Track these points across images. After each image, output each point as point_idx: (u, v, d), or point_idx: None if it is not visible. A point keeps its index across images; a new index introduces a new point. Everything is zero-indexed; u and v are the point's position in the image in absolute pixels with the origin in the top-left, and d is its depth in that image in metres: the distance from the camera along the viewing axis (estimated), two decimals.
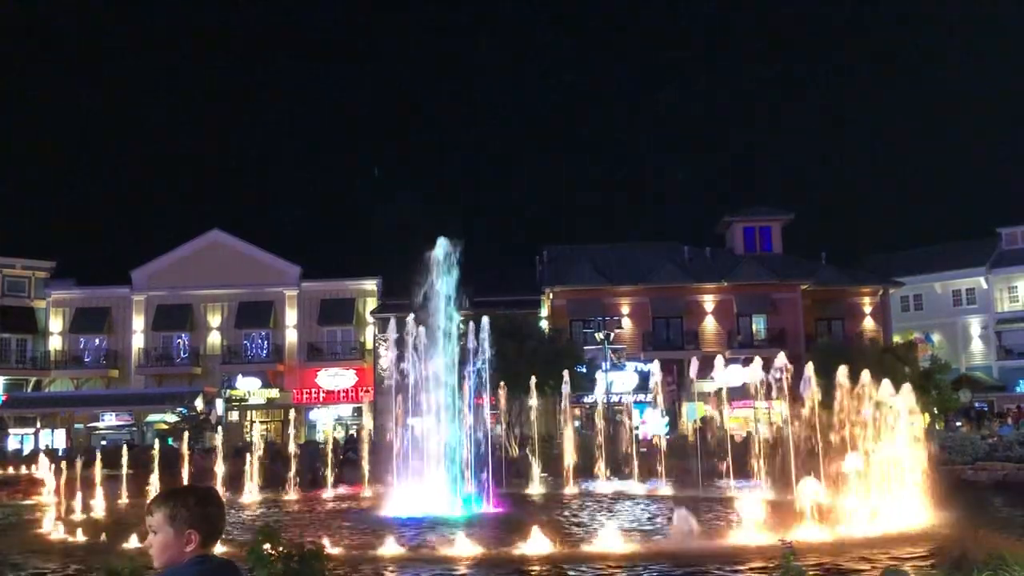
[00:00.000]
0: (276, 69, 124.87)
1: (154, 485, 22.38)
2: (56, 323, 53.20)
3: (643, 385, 45.16)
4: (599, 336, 39.43)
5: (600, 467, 26.33)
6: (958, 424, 37.94)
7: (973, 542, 10.03)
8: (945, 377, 37.75)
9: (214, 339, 52.48)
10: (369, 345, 50.72)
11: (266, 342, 52.20)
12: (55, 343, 52.95)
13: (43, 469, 26.37)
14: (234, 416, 49.52)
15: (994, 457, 26.99)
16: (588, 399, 43.14)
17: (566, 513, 19.78)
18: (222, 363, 51.36)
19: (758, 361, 25.41)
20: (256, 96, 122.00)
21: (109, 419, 49.35)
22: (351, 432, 41.64)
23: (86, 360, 52.68)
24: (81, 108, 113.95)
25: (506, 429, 30.45)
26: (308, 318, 52.20)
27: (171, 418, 42.94)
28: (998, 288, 56.59)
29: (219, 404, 46.86)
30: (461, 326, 21.42)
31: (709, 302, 48.32)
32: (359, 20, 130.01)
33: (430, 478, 20.08)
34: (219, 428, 31.60)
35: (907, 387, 17.79)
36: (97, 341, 52.78)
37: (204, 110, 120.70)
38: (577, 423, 36.98)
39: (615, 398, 41.92)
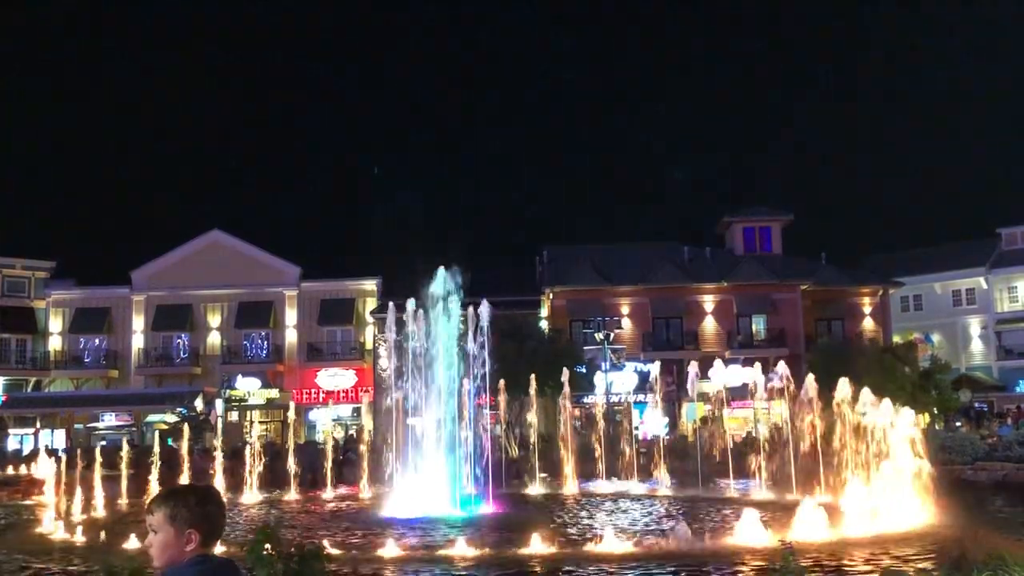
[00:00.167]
0: (276, 69, 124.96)
1: (154, 485, 22.41)
2: (56, 323, 53.21)
3: (643, 385, 45.20)
4: (599, 336, 39.44)
5: (600, 467, 26.34)
6: (958, 424, 37.91)
7: (973, 542, 10.03)
8: (945, 377, 37.75)
9: (214, 339, 52.49)
10: (369, 345, 50.72)
11: (266, 342, 52.21)
12: (55, 343, 52.97)
13: (43, 469, 26.37)
14: (234, 416, 49.53)
15: (994, 457, 26.98)
16: (588, 399, 43.16)
17: (566, 513, 19.78)
18: (222, 363, 51.39)
19: (758, 366, 25.34)
20: (256, 96, 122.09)
21: (109, 419, 49.37)
22: (351, 432, 41.65)
23: (86, 360, 52.70)
24: (81, 108, 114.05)
25: (506, 429, 30.44)
26: (308, 318, 52.22)
27: (171, 418, 42.96)
28: (998, 288, 56.60)
29: (219, 404, 46.83)
30: (460, 315, 21.41)
31: (709, 302, 48.34)
32: (359, 20, 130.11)
33: (429, 478, 20.08)
34: (218, 428, 31.59)
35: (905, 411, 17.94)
36: (97, 341, 52.80)
37: (204, 110, 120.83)
38: (577, 423, 36.97)
39: (615, 398, 41.89)
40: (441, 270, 20.75)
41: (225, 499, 3.11)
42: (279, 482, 25.58)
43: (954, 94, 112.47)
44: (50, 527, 16.95)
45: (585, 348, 41.68)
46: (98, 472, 23.28)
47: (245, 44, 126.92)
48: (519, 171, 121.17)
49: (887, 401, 18.43)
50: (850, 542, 13.40)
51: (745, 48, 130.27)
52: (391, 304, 23.25)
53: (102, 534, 15.12)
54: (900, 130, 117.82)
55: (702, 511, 19.60)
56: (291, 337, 52.32)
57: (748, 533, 13.74)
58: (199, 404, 44.57)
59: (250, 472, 25.13)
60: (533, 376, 27.43)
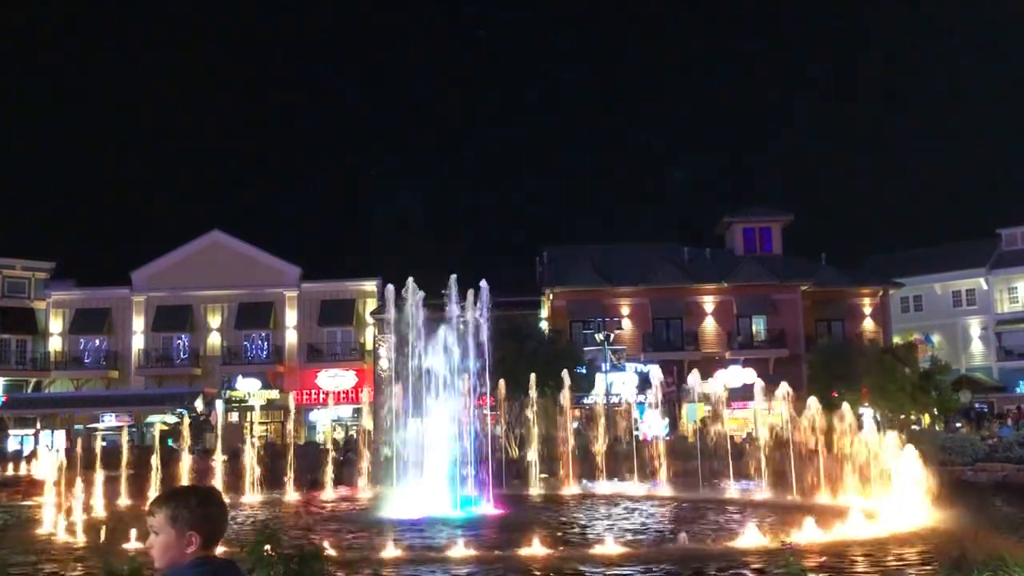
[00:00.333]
0: (276, 69, 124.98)
1: (154, 486, 22.43)
2: (56, 324, 53.21)
3: (643, 386, 45.20)
4: (599, 337, 39.43)
5: (600, 468, 26.36)
6: (958, 425, 37.92)
7: (973, 543, 10.04)
8: (945, 378, 37.73)
9: (214, 340, 52.49)
10: (369, 346, 50.73)
11: (266, 343, 52.21)
12: (55, 344, 52.97)
13: (43, 470, 26.37)
14: (234, 417, 49.53)
15: (994, 458, 27.00)
16: (588, 400, 43.16)
17: (566, 514, 19.78)
18: (222, 364, 51.38)
19: (760, 384, 25.57)
20: (256, 96, 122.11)
21: (109, 420, 49.38)
22: (351, 433, 41.65)
23: (86, 361, 52.69)
24: (81, 108, 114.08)
25: (506, 430, 30.46)
26: (308, 319, 52.22)
27: (171, 419, 42.96)
28: (998, 289, 56.60)
29: (219, 405, 46.84)
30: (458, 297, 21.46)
31: (709, 303, 48.34)
32: (359, 20, 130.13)
33: (430, 479, 20.09)
34: (218, 429, 31.60)
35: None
36: (97, 342, 52.80)
37: (204, 110, 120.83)
38: (577, 424, 36.97)
39: (615, 399, 41.90)
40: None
41: (225, 500, 3.10)
42: (279, 483, 25.58)
43: (954, 94, 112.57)
44: (50, 528, 16.96)
45: (585, 349, 41.64)
46: (99, 473, 23.30)
47: (245, 44, 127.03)
48: (519, 171, 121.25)
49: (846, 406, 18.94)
50: (851, 543, 13.41)
51: (745, 48, 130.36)
52: (390, 287, 23.10)
53: (102, 535, 15.12)
54: (900, 130, 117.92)
55: (703, 512, 19.60)
56: (291, 338, 52.32)
57: (750, 534, 13.75)
58: (199, 405, 44.59)
59: (250, 473, 25.14)
60: (533, 376, 27.43)
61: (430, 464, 20.27)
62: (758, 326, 48.38)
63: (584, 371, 40.26)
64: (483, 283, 21.69)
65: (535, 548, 12.66)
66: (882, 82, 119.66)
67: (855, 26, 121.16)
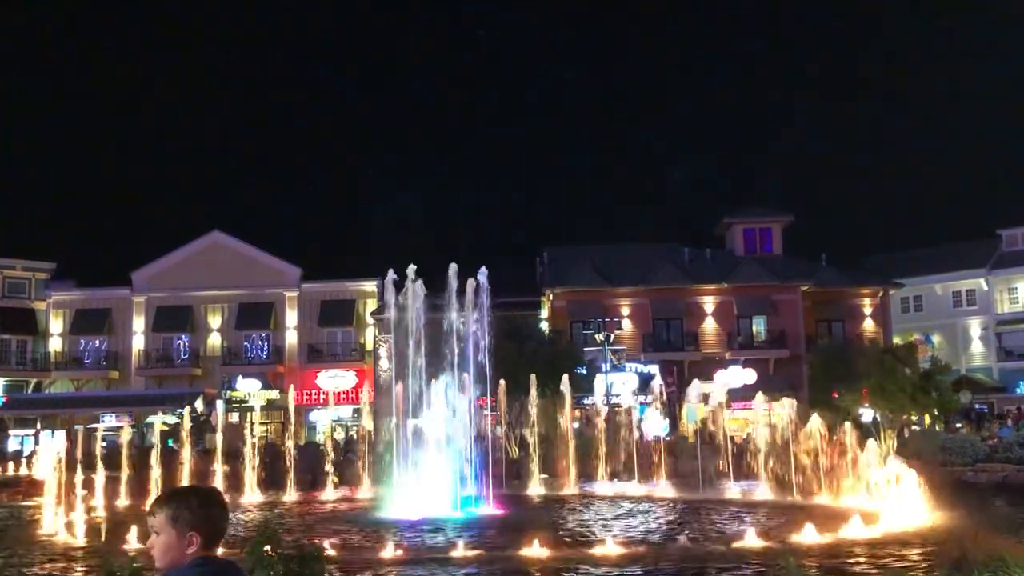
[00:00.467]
0: (276, 69, 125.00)
1: (155, 486, 22.43)
2: (56, 324, 53.22)
3: (643, 386, 45.18)
4: (599, 337, 39.42)
5: (600, 468, 26.36)
6: (958, 426, 37.91)
7: (973, 543, 10.04)
8: (945, 378, 37.64)
9: (214, 340, 52.49)
10: (369, 347, 50.73)
11: (266, 343, 52.21)
12: (55, 344, 52.98)
13: (43, 470, 26.36)
14: (234, 417, 49.52)
15: (994, 459, 26.98)
16: (588, 400, 43.15)
17: (566, 515, 19.77)
18: (222, 364, 51.40)
19: (762, 398, 25.69)
20: (256, 96, 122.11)
21: (109, 420, 49.38)
22: (351, 433, 41.62)
23: (86, 361, 52.70)
24: (81, 108, 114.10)
25: (506, 430, 30.44)
26: (308, 319, 52.22)
27: (171, 419, 42.94)
28: (998, 289, 56.60)
29: (220, 405, 46.86)
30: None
31: (709, 303, 48.33)
32: (359, 20, 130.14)
33: (430, 479, 20.10)
34: (218, 429, 31.57)
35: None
36: (97, 342, 52.80)
37: (204, 110, 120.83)
38: (577, 424, 36.96)
39: (615, 399, 41.89)
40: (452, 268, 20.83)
41: (226, 500, 3.11)
42: (279, 483, 25.58)
43: (954, 94, 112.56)
44: (50, 528, 16.97)
45: (585, 349, 41.63)
46: (99, 473, 23.31)
47: (245, 44, 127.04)
48: (519, 171, 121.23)
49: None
50: (851, 543, 13.41)
51: (745, 48, 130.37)
52: (391, 273, 22.97)
53: (102, 535, 15.13)
54: (900, 130, 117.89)
55: (703, 513, 19.60)
56: (291, 338, 52.33)
57: (749, 535, 13.75)
58: (200, 405, 44.57)
59: (250, 473, 25.15)
60: (533, 377, 27.42)
61: (430, 464, 20.27)
62: (758, 326, 48.37)
63: (584, 371, 40.27)
64: (482, 270, 21.64)
65: (535, 549, 12.65)
66: (882, 82, 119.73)
67: (855, 26, 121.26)
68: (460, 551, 12.73)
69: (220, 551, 3.01)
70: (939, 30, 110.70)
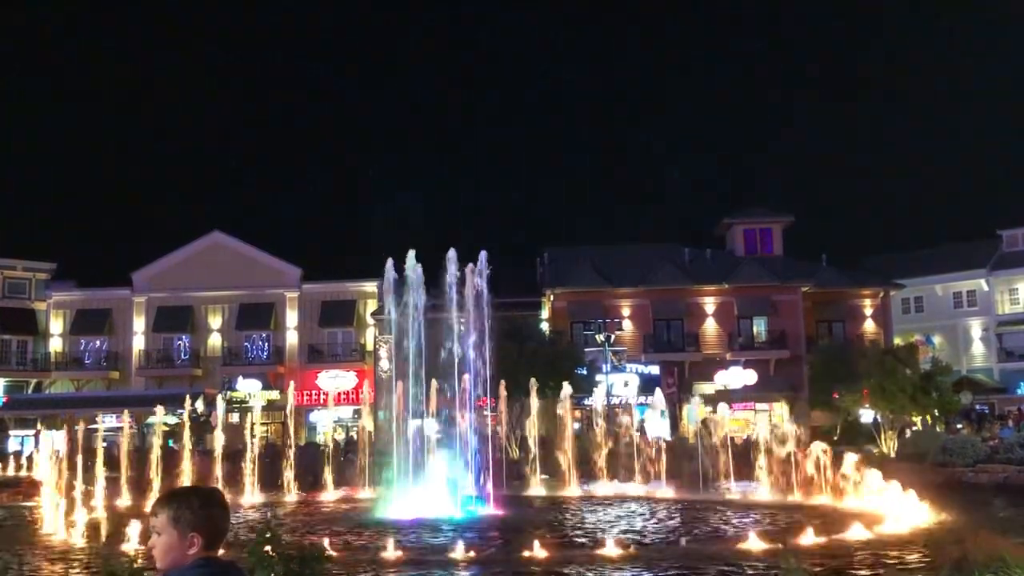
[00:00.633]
0: (276, 69, 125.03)
1: (155, 486, 22.43)
2: (57, 325, 53.22)
3: (644, 387, 45.17)
4: (600, 338, 39.41)
5: (601, 469, 26.35)
6: (959, 426, 37.89)
7: (974, 544, 10.03)
8: (946, 379, 37.67)
9: (215, 341, 52.49)
10: (370, 347, 50.73)
11: (267, 344, 52.21)
12: (56, 345, 52.98)
13: (43, 470, 26.35)
14: (235, 418, 49.50)
15: (995, 459, 26.96)
16: (588, 401, 43.14)
17: (566, 515, 19.77)
18: (223, 365, 51.38)
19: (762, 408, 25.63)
20: (256, 96, 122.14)
21: (110, 421, 49.34)
22: (351, 434, 41.62)
23: (87, 362, 52.69)
24: (81, 108, 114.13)
25: (507, 431, 30.43)
26: (309, 320, 52.22)
27: (172, 419, 42.90)
28: (999, 290, 56.59)
29: (220, 406, 46.83)
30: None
31: (710, 304, 48.32)
32: (359, 20, 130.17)
33: (430, 479, 20.10)
34: (218, 430, 31.54)
35: None
36: (98, 343, 52.80)
37: (204, 110, 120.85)
38: (577, 425, 36.96)
39: (616, 400, 41.89)
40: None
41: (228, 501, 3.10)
42: (279, 484, 25.58)
43: (954, 94, 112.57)
44: (51, 528, 16.97)
45: (586, 350, 41.65)
46: (99, 473, 23.31)
47: (245, 44, 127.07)
48: (519, 171, 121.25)
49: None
50: (852, 544, 13.41)
51: (745, 48, 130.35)
52: (390, 263, 22.82)
53: (102, 535, 15.13)
54: (900, 130, 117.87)
55: (703, 513, 19.60)
56: (292, 339, 52.32)
57: (750, 536, 13.74)
58: (200, 406, 44.54)
59: (251, 474, 25.15)
60: (533, 380, 27.40)
61: (430, 465, 20.28)
62: (759, 327, 48.36)
63: (585, 372, 40.28)
64: (482, 254, 21.57)
65: (536, 549, 12.65)
66: (882, 82, 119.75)
67: (855, 26, 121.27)
68: (460, 552, 12.73)
69: (221, 551, 3.00)
70: (939, 30, 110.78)
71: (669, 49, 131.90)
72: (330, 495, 24.77)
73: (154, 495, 21.14)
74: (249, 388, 50.23)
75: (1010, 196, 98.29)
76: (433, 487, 19.89)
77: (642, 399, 44.85)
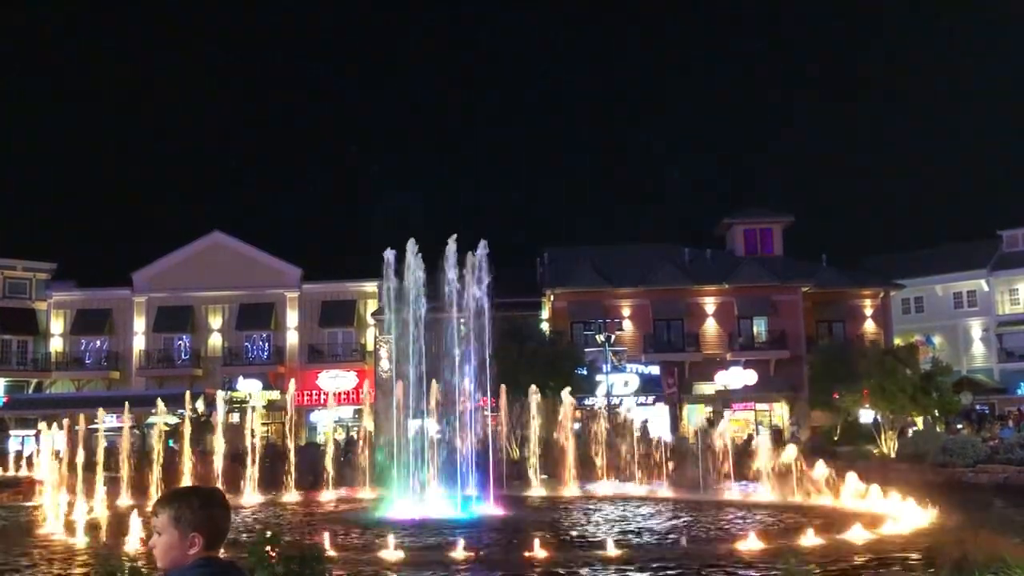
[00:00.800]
0: (276, 69, 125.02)
1: (155, 486, 22.43)
2: (57, 325, 53.23)
3: (644, 387, 45.19)
4: (600, 338, 39.43)
5: (601, 469, 26.36)
6: (959, 427, 37.88)
7: (974, 544, 10.03)
8: (946, 379, 37.64)
9: (215, 341, 52.50)
10: (370, 347, 50.74)
11: (267, 344, 52.21)
12: (56, 345, 52.98)
13: (43, 470, 26.36)
14: (235, 418, 49.46)
15: (995, 460, 26.97)
16: (589, 401, 43.12)
17: (567, 515, 19.78)
18: (223, 365, 51.38)
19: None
20: (256, 96, 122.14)
21: (110, 421, 49.30)
22: (351, 434, 41.60)
23: (87, 362, 52.70)
24: (81, 108, 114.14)
25: (507, 431, 30.43)
26: (309, 320, 52.23)
27: (171, 420, 42.88)
28: (999, 290, 56.58)
29: (220, 406, 46.82)
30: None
31: (710, 304, 48.32)
32: (359, 20, 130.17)
33: (430, 480, 20.10)
34: (218, 430, 31.55)
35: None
36: (98, 343, 52.80)
37: (204, 110, 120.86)
38: (578, 425, 36.95)
39: (616, 400, 41.88)
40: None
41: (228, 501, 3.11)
42: (279, 484, 25.59)
43: (954, 94, 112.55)
44: (51, 528, 16.97)
45: (586, 350, 41.65)
46: (99, 473, 23.31)
47: (245, 44, 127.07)
48: (519, 171, 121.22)
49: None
50: (852, 544, 13.41)
51: (745, 48, 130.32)
52: (389, 250, 22.75)
53: (102, 535, 15.13)
54: (900, 130, 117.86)
55: (703, 513, 19.60)
56: (292, 339, 52.33)
57: (751, 536, 13.74)
58: (200, 406, 44.52)
59: (251, 474, 25.15)
60: (534, 387, 27.42)
61: (431, 465, 20.27)
62: (759, 327, 48.36)
63: (585, 372, 40.28)
64: (482, 243, 21.54)
65: (536, 549, 12.65)
66: (882, 82, 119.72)
67: (855, 26, 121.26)
68: (460, 551, 12.73)
69: (222, 552, 3.01)
70: (939, 30, 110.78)
71: (669, 49, 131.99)
72: (330, 495, 24.77)
73: (154, 495, 21.16)
74: (249, 388, 50.22)
75: (1010, 196, 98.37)
76: (433, 487, 19.89)
77: (642, 399, 44.89)
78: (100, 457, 25.49)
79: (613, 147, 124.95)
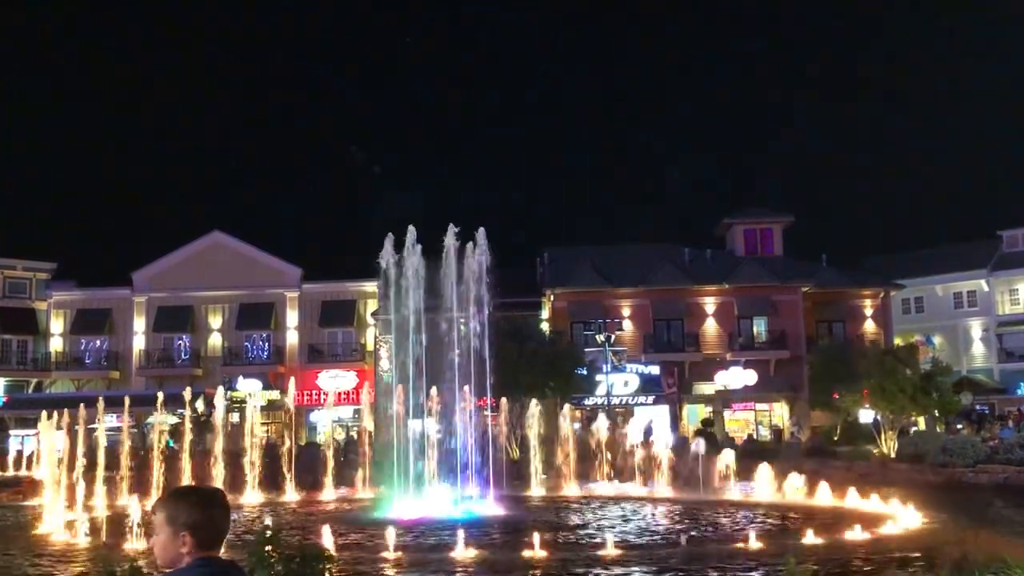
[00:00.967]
0: (276, 69, 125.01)
1: (155, 486, 22.43)
2: (57, 324, 53.23)
3: (644, 387, 45.21)
4: (600, 338, 39.43)
5: (601, 469, 26.36)
6: (959, 427, 37.88)
7: (974, 544, 10.04)
8: (946, 379, 37.62)
9: (215, 341, 52.50)
10: (370, 347, 50.74)
11: (267, 344, 52.22)
12: (56, 344, 52.98)
13: (44, 470, 26.35)
14: (235, 418, 49.46)
15: (995, 460, 26.97)
16: (589, 401, 43.13)
17: (567, 515, 19.78)
18: (223, 364, 51.36)
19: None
20: (256, 96, 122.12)
21: (110, 420, 49.26)
22: (351, 434, 41.61)
23: (87, 361, 52.70)
24: (81, 108, 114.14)
25: (507, 431, 30.44)
26: (309, 319, 52.23)
27: (171, 419, 42.88)
28: (999, 290, 56.58)
29: (220, 406, 46.81)
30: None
31: (710, 304, 48.32)
32: (359, 20, 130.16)
33: (430, 479, 20.10)
34: (218, 430, 31.58)
35: None
36: (98, 342, 52.80)
37: (204, 110, 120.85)
38: (577, 425, 36.96)
39: (616, 400, 41.90)
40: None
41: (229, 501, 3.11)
42: (279, 483, 25.58)
43: (954, 94, 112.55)
44: (51, 528, 16.97)
45: (586, 350, 41.66)
46: (99, 473, 23.31)
47: (245, 44, 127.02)
48: (519, 171, 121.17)
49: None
50: (852, 544, 13.41)
51: (745, 48, 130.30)
52: (388, 239, 22.64)
53: (103, 535, 15.13)
54: (900, 130, 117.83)
55: (703, 513, 19.60)
56: (292, 338, 52.33)
57: (750, 536, 13.74)
58: (200, 405, 44.52)
59: (251, 473, 25.14)
60: (534, 378, 27.44)
61: (430, 464, 20.28)
62: (759, 327, 48.36)
63: (585, 372, 40.30)
64: (481, 231, 21.53)
65: (536, 549, 12.65)
66: (882, 82, 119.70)
67: (855, 26, 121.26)
68: (460, 551, 12.73)
69: (222, 552, 3.01)
70: (939, 30, 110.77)
71: (669, 49, 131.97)
72: (330, 495, 24.76)
73: (154, 495, 21.16)
74: (249, 388, 50.20)
75: (1010, 196, 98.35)
76: (433, 487, 19.89)
77: (642, 399, 44.92)
78: (100, 456, 25.48)
79: (613, 147, 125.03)
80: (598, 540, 14.47)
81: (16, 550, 14.51)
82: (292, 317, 52.46)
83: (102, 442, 26.75)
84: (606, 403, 39.90)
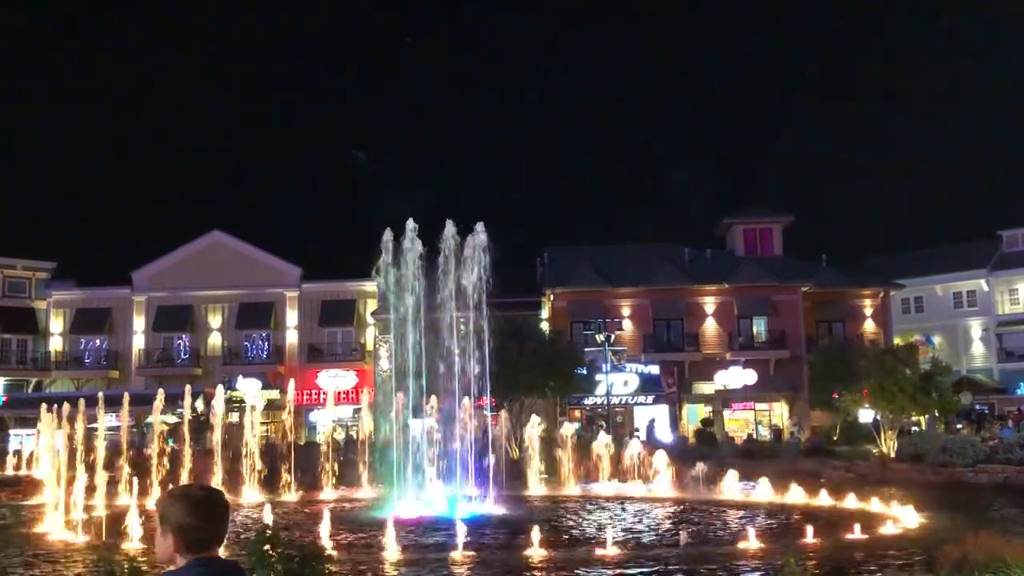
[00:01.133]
0: (276, 69, 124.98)
1: (155, 486, 22.43)
2: (57, 324, 53.23)
3: (644, 387, 45.21)
4: (600, 338, 39.43)
5: (601, 469, 26.36)
6: (959, 426, 37.88)
7: (974, 544, 10.04)
8: (946, 379, 37.61)
9: (215, 340, 52.50)
10: (370, 346, 50.74)
11: (267, 343, 52.21)
12: (56, 344, 52.98)
13: (43, 470, 26.37)
14: (234, 417, 49.44)
15: (995, 459, 26.98)
16: (588, 401, 43.14)
17: (566, 515, 19.77)
18: (223, 364, 51.36)
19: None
20: (256, 96, 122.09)
21: (110, 420, 49.24)
22: (351, 433, 41.61)
23: (87, 361, 52.70)
24: (81, 108, 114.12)
25: (507, 431, 30.45)
26: (309, 319, 52.23)
27: (171, 418, 42.88)
28: (999, 290, 56.58)
29: (219, 405, 46.80)
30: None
31: (710, 304, 48.32)
32: (359, 20, 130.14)
33: (430, 479, 20.10)
34: (217, 429, 31.58)
35: None
36: (98, 342, 52.80)
37: (204, 110, 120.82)
38: (577, 425, 36.96)
39: (616, 400, 41.90)
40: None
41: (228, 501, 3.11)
42: (279, 483, 25.58)
43: (954, 94, 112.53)
44: (51, 527, 16.97)
45: (586, 349, 41.64)
46: (99, 473, 23.26)
47: (245, 44, 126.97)
48: (519, 171, 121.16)
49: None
50: (852, 544, 13.41)
51: (745, 48, 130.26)
52: (388, 232, 22.63)
53: (102, 534, 15.13)
54: (900, 130, 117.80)
55: (703, 513, 19.60)
56: (292, 338, 52.33)
57: (751, 536, 13.74)
58: (199, 405, 44.52)
59: (250, 473, 25.14)
60: (534, 378, 27.43)
61: (430, 464, 20.27)
62: (759, 327, 48.35)
63: (585, 372, 40.29)
64: (479, 226, 21.50)
65: (535, 549, 12.65)
66: (882, 82, 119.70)
67: (855, 26, 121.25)
68: (460, 551, 12.72)
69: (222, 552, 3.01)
70: (939, 30, 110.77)
71: (669, 49, 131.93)
72: (330, 494, 24.76)
73: (154, 494, 21.15)
74: (249, 388, 50.21)
75: (1010, 196, 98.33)
76: (433, 486, 19.89)
77: (641, 399, 44.93)
78: (100, 456, 25.48)
79: (613, 147, 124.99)
80: (598, 539, 14.46)
81: (15, 550, 14.50)
82: (292, 317, 52.46)
83: (101, 441, 26.70)
84: (606, 403, 39.92)
